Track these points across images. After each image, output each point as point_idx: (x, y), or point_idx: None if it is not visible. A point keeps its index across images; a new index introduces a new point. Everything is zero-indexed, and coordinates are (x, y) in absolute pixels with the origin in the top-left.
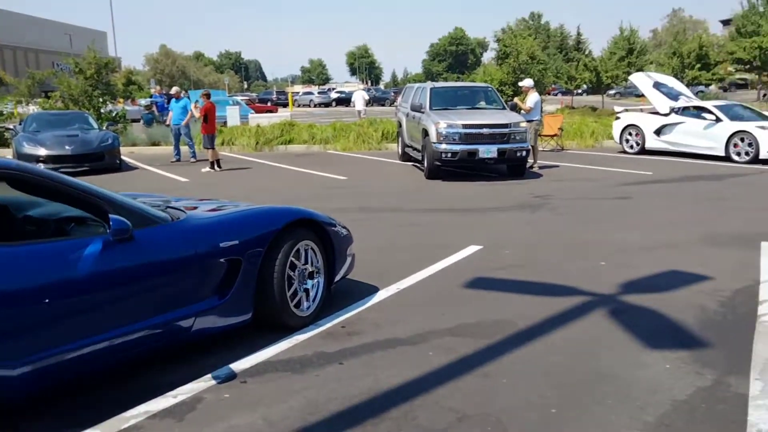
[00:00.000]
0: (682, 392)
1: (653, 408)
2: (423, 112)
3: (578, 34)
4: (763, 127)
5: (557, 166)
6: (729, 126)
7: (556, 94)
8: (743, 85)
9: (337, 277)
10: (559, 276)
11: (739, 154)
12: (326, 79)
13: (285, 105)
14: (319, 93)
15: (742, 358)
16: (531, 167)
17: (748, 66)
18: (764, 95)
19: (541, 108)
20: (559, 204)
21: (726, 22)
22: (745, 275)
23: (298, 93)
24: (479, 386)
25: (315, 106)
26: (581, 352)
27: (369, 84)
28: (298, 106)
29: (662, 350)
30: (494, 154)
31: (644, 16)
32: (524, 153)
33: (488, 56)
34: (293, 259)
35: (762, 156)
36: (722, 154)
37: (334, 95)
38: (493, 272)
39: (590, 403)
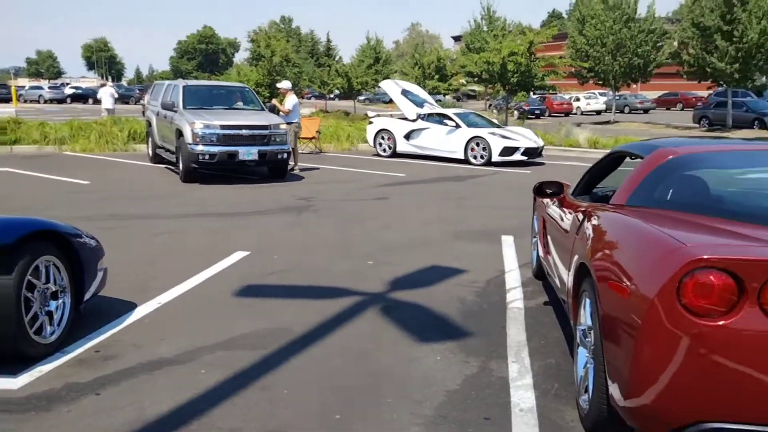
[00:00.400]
0: (453, 382)
1: (430, 401)
2: (176, 111)
3: (328, 40)
4: (494, 133)
5: (317, 169)
6: (466, 132)
7: (309, 98)
8: (473, 96)
9: (87, 295)
10: (330, 278)
11: (475, 157)
12: (58, 73)
13: (8, 100)
14: (50, 88)
15: (499, 343)
16: (292, 169)
17: (476, 78)
18: (490, 105)
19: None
20: (322, 206)
21: (457, 38)
22: (493, 266)
23: (23, 87)
24: (259, 400)
25: (45, 102)
26: (358, 353)
27: (111, 80)
28: (25, 101)
29: (431, 343)
30: (255, 156)
31: (388, 28)
32: (285, 155)
33: (240, 57)
34: (31, 278)
35: (494, 159)
36: (462, 157)
37: (68, 91)
38: (263, 278)
39: (372, 404)
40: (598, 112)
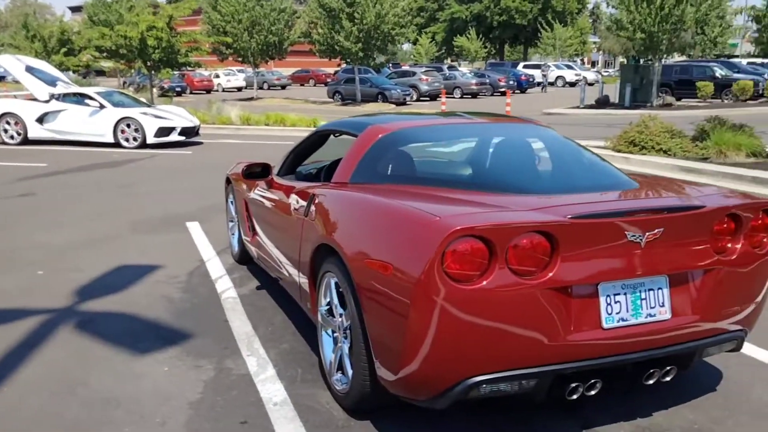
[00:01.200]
0: (193, 392)
1: (174, 419)
2: None
3: None
4: (146, 114)
5: None
6: (114, 112)
7: None
8: (102, 73)
9: None
10: None
11: (128, 140)
12: None
13: None
14: None
15: (227, 338)
16: None
17: (106, 54)
18: (125, 83)
19: None
20: None
21: (75, 9)
22: (188, 257)
23: None
24: None
25: None
26: (67, 383)
27: None
28: None
29: (153, 353)
30: None
31: None
32: None
33: None
34: None
35: (149, 141)
36: (112, 140)
37: None
38: None
39: None
40: (239, 89)
